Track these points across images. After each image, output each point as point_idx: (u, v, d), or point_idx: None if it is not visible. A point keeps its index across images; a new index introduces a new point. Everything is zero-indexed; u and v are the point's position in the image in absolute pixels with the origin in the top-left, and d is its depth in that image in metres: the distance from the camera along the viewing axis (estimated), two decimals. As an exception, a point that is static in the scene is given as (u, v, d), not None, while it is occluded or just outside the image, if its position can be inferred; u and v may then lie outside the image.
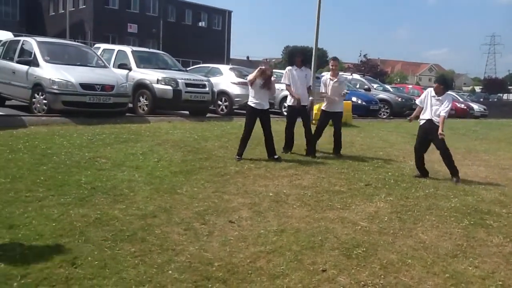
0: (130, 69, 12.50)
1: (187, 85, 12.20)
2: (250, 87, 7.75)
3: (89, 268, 3.34)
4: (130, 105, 11.78)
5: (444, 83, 7.26)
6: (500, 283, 3.62)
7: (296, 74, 8.30)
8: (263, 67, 7.71)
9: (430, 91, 7.29)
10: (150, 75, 12.12)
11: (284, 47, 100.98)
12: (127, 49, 13.36)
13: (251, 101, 7.73)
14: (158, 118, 11.45)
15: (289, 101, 8.53)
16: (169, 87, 11.82)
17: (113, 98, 10.28)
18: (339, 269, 3.65)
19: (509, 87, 75.44)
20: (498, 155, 10.51)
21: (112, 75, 11.01)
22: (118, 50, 13.47)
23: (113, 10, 39.61)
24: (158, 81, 11.88)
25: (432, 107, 7.13)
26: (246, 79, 7.87)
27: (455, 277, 3.67)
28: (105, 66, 11.52)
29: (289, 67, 8.47)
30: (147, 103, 12.00)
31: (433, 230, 4.71)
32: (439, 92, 7.10)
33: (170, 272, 3.39)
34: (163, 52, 15.91)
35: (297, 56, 8.44)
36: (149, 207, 4.80)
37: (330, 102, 8.71)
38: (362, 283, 3.46)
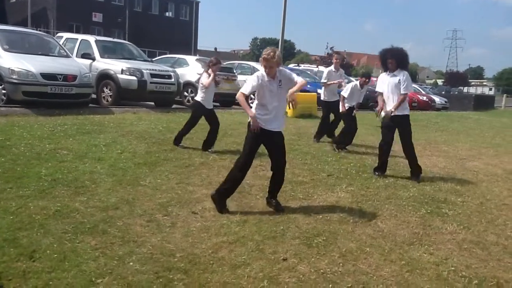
0: (93, 59, 12.28)
1: (153, 75, 12.09)
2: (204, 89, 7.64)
3: (48, 261, 3.30)
4: (94, 95, 11.58)
5: (397, 57, 6.70)
6: (453, 268, 3.77)
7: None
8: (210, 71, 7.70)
9: (383, 74, 6.98)
10: (114, 65, 11.94)
11: (252, 39, 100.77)
12: (91, 39, 13.09)
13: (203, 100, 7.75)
14: (123, 109, 11.30)
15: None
16: (133, 78, 11.68)
17: (76, 89, 10.07)
18: (299, 258, 3.73)
19: (470, 81, 77.76)
20: (457, 146, 10.87)
21: (74, 65, 10.77)
22: (82, 40, 13.18)
23: (77, -2, 38.61)
24: (122, 72, 11.73)
25: (389, 85, 6.69)
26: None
27: (411, 264, 3.80)
28: (67, 56, 11.25)
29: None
30: (111, 94, 11.83)
31: (391, 219, 4.86)
32: (392, 69, 6.69)
33: (131, 263, 3.39)
34: (128, 42, 15.68)
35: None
36: (111, 199, 4.76)
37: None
38: (322, 271, 3.54)
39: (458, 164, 8.45)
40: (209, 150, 7.54)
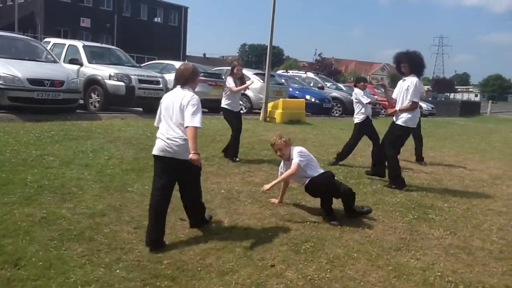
0: (81, 65, 12.20)
1: (141, 81, 12.04)
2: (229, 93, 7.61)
3: (33, 269, 3.27)
4: (81, 101, 11.50)
5: (411, 61, 6.47)
6: (439, 273, 3.79)
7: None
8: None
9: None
10: (102, 71, 11.88)
11: (240, 45, 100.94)
12: (79, 44, 13.01)
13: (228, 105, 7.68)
14: (111, 115, 11.23)
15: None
16: (121, 83, 11.63)
17: (63, 94, 9.99)
18: (287, 264, 3.73)
19: (456, 87, 78.61)
20: (443, 152, 11.00)
21: (62, 70, 10.69)
22: (69, 45, 13.10)
23: (66, 3, 38.45)
24: (110, 77, 11.67)
25: (400, 91, 6.58)
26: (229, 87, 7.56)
27: (398, 269, 3.82)
28: (54, 61, 11.16)
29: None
30: (98, 99, 11.76)
31: (378, 225, 4.88)
32: (406, 73, 6.49)
33: (118, 271, 3.37)
34: (116, 48, 15.61)
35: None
36: (98, 205, 4.73)
37: None
38: (309, 277, 3.54)
39: (445, 169, 8.53)
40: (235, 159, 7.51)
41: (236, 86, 7.52)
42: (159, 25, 47.96)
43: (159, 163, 4.07)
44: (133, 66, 13.54)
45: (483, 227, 5.15)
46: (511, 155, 11.25)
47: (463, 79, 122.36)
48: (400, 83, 6.63)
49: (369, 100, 8.26)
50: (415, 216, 5.27)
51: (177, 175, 4.09)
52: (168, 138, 4.06)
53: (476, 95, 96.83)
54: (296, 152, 5.06)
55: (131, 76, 11.84)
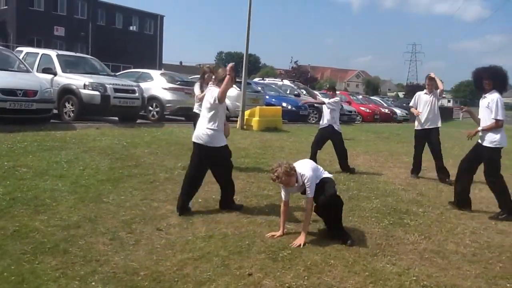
0: (55, 74, 12.02)
1: (116, 90, 11.94)
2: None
3: (5, 284, 3.19)
4: (55, 111, 11.33)
5: (495, 78, 6.03)
6: (414, 278, 3.85)
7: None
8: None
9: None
10: (77, 80, 11.74)
11: (217, 53, 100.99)
12: (52, 53, 12.83)
13: None
14: (85, 124, 11.10)
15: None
16: (96, 93, 11.50)
17: (36, 104, 9.83)
18: (264, 272, 3.73)
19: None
20: (418, 157, 11.13)
21: (35, 80, 10.52)
22: (42, 54, 12.90)
23: (38, 12, 37.76)
24: (85, 86, 11.53)
25: (481, 108, 6.23)
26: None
27: (374, 274, 3.86)
28: (27, 71, 10.98)
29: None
30: (73, 109, 11.60)
31: (355, 231, 4.92)
32: (487, 90, 6.07)
33: (93, 283, 3.32)
34: (91, 57, 15.46)
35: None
36: (73, 217, 4.65)
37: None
38: (287, 285, 3.55)
39: (419, 174, 8.66)
40: None
41: (202, 93, 7.44)
42: (134, 33, 47.61)
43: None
44: (108, 75, 13.43)
45: (456, 230, 5.25)
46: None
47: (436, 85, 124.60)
48: (481, 101, 6.32)
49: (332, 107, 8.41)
50: (391, 222, 5.34)
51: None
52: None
53: (448, 101, 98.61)
54: (312, 179, 4.51)
55: (106, 85, 11.73)
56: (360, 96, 30.91)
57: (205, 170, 5.41)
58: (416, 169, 8.51)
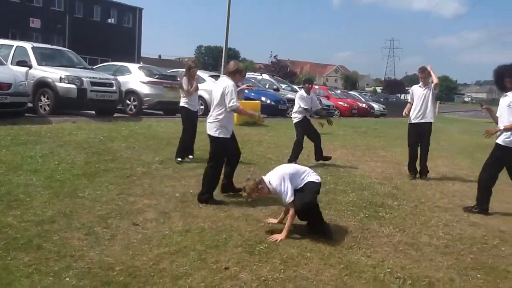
0: (30, 67, 11.78)
1: (93, 83, 11.77)
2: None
3: (-23, 280, 3.14)
4: (30, 104, 11.13)
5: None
6: (389, 270, 3.91)
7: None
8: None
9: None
10: (52, 73, 11.52)
11: (196, 47, 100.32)
12: (27, 45, 12.56)
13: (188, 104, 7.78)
14: (61, 118, 10.94)
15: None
16: (73, 86, 11.32)
17: (10, 98, 9.64)
18: (241, 266, 3.75)
19: (406, 88, 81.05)
20: (394, 151, 11.34)
21: (9, 72, 10.31)
22: (17, 46, 12.60)
23: (14, 3, 36.95)
24: (61, 80, 11.33)
25: (500, 107, 6.08)
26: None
27: (349, 267, 3.91)
28: (1, 63, 10.74)
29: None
30: (48, 102, 11.40)
31: (331, 224, 4.96)
32: (509, 88, 5.94)
33: (67, 279, 3.28)
34: (68, 49, 15.21)
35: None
36: (47, 212, 4.59)
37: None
38: (263, 278, 3.57)
39: (395, 168, 8.81)
40: (190, 157, 7.71)
41: (191, 87, 7.57)
42: (112, 26, 46.98)
43: None
44: (85, 68, 13.23)
45: (430, 223, 5.36)
46: (457, 153, 11.75)
47: (413, 81, 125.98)
48: (501, 100, 6.19)
49: (306, 107, 8.50)
50: (366, 215, 5.42)
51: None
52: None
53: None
54: (281, 186, 4.47)
55: (83, 79, 11.55)
56: (339, 91, 31.12)
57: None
58: (412, 169, 8.08)
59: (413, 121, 8.00)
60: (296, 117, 8.67)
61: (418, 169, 8.06)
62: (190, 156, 7.74)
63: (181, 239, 4.23)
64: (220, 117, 5.38)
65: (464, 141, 15.57)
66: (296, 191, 4.51)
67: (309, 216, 4.60)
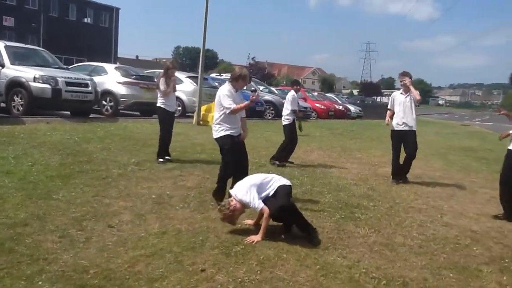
0: (3, 66, 11.57)
1: (68, 84, 11.61)
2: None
3: None
4: (3, 104, 10.91)
5: None
6: (364, 270, 3.96)
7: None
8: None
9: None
10: (26, 73, 11.33)
11: (174, 47, 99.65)
12: (0, 44, 12.30)
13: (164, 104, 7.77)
14: (35, 119, 10.75)
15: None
16: (47, 86, 11.14)
17: (-18, 97, 9.42)
18: (217, 268, 3.74)
19: (382, 91, 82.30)
20: (370, 152, 11.48)
21: (-20, 72, 10.08)
22: (-11, 45, 12.34)
23: (-14, 0, 36.14)
24: (35, 79, 11.15)
25: None
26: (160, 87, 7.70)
27: (325, 268, 3.94)
28: (-28, 62, 10.50)
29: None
30: (22, 102, 11.19)
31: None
32: None
33: (40, 283, 3.22)
34: (42, 49, 14.97)
35: None
36: (20, 215, 4.50)
37: None
38: (239, 279, 3.57)
39: (371, 170, 8.92)
40: (166, 157, 7.68)
41: (168, 88, 7.56)
42: (89, 26, 46.37)
43: None
44: (60, 68, 13.02)
45: (405, 224, 5.44)
46: (431, 155, 11.96)
47: (389, 83, 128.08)
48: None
49: (295, 108, 8.77)
50: (342, 216, 5.47)
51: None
52: None
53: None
54: (247, 196, 4.54)
55: (58, 78, 11.38)
56: (316, 93, 31.34)
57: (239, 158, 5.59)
58: (396, 174, 7.93)
59: (396, 129, 7.79)
60: (288, 119, 8.83)
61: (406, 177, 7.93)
62: (167, 157, 7.70)
63: (157, 241, 4.20)
64: (219, 120, 5.45)
65: (438, 143, 15.84)
66: (268, 198, 4.58)
67: (290, 218, 4.63)
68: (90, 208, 4.94)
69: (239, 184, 4.72)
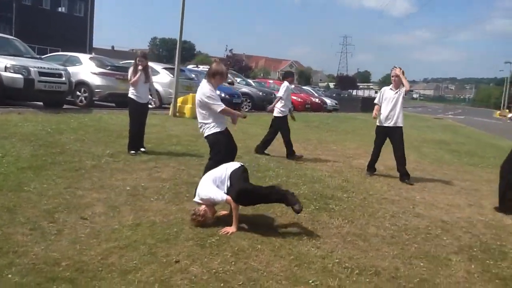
0: (-28, 55, 11.21)
1: (41, 74, 11.34)
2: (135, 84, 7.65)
3: None
4: (-28, 95, 10.60)
5: None
6: (337, 260, 4.01)
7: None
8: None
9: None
10: (-3, 62, 11.01)
11: (151, 38, 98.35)
12: (-31, 33, 11.95)
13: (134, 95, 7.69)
14: (6, 109, 10.48)
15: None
16: (19, 76, 10.87)
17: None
18: (192, 259, 3.74)
19: (358, 84, 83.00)
20: (345, 145, 11.60)
21: None
22: (-43, 33, 11.99)
23: (-46, -12, 34.98)
24: (6, 69, 10.85)
25: None
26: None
27: (299, 258, 3.98)
28: None
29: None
30: (-7, 93, 10.89)
31: (282, 216, 5.04)
32: None
33: (10, 276, 3.16)
34: (14, 38, 14.55)
35: None
36: (-11, 207, 4.40)
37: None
38: (214, 270, 3.58)
39: (346, 162, 9.01)
40: (141, 149, 7.61)
41: (139, 78, 7.56)
42: (63, 15, 45.30)
43: None
44: (32, 57, 12.70)
45: (377, 214, 5.53)
46: (406, 148, 12.09)
47: (365, 77, 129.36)
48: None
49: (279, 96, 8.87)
50: (317, 207, 5.53)
51: None
52: None
53: (376, 92, 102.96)
54: (208, 192, 4.58)
55: (30, 68, 11.11)
56: (292, 86, 31.40)
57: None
58: (372, 167, 8.04)
59: (384, 125, 7.74)
60: (283, 111, 8.88)
61: (399, 176, 7.76)
62: (142, 149, 7.63)
63: (131, 233, 4.17)
64: (203, 120, 5.29)
65: (412, 136, 16.09)
66: (229, 188, 4.58)
67: (258, 198, 4.65)
68: (62, 200, 4.86)
69: (198, 188, 4.69)
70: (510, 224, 5.68)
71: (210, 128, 5.27)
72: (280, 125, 8.91)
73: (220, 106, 5.18)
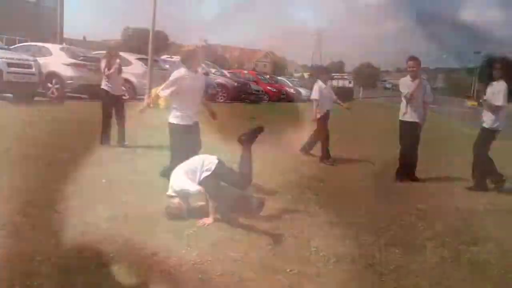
0: None
1: (10, 65, 11.09)
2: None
3: None
4: None
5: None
6: (314, 249, 4.03)
7: None
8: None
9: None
10: (-38, 53, 10.69)
11: (123, 28, 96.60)
12: None
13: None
14: (-26, 102, 10.19)
15: None
16: (-14, 67, 10.57)
17: None
18: (169, 251, 3.71)
19: (333, 74, 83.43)
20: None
21: None
22: None
23: None
24: (-28, 60, 10.54)
25: None
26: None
27: (277, 247, 4.00)
28: None
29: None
30: (-41, 85, 10.57)
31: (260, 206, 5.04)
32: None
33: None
34: (-20, 28, 14.14)
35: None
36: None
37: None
38: (192, 262, 3.54)
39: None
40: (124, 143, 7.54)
41: (110, 70, 7.48)
42: (32, 4, 43.95)
43: None
44: (0, 48, 12.37)
45: (353, 202, 5.59)
46: (378, 137, 12.31)
47: (338, 67, 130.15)
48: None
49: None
50: (294, 196, 5.56)
51: None
52: None
53: (349, 82, 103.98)
54: (180, 185, 4.54)
55: (-2, 59, 10.82)
56: (268, 76, 31.44)
57: None
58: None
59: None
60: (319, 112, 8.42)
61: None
62: (125, 143, 7.56)
63: (107, 227, 4.12)
64: (172, 104, 5.33)
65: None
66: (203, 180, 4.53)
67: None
68: (35, 194, 4.76)
69: (171, 180, 4.64)
70: (481, 210, 5.83)
71: (170, 116, 5.39)
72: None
73: (163, 91, 5.30)
